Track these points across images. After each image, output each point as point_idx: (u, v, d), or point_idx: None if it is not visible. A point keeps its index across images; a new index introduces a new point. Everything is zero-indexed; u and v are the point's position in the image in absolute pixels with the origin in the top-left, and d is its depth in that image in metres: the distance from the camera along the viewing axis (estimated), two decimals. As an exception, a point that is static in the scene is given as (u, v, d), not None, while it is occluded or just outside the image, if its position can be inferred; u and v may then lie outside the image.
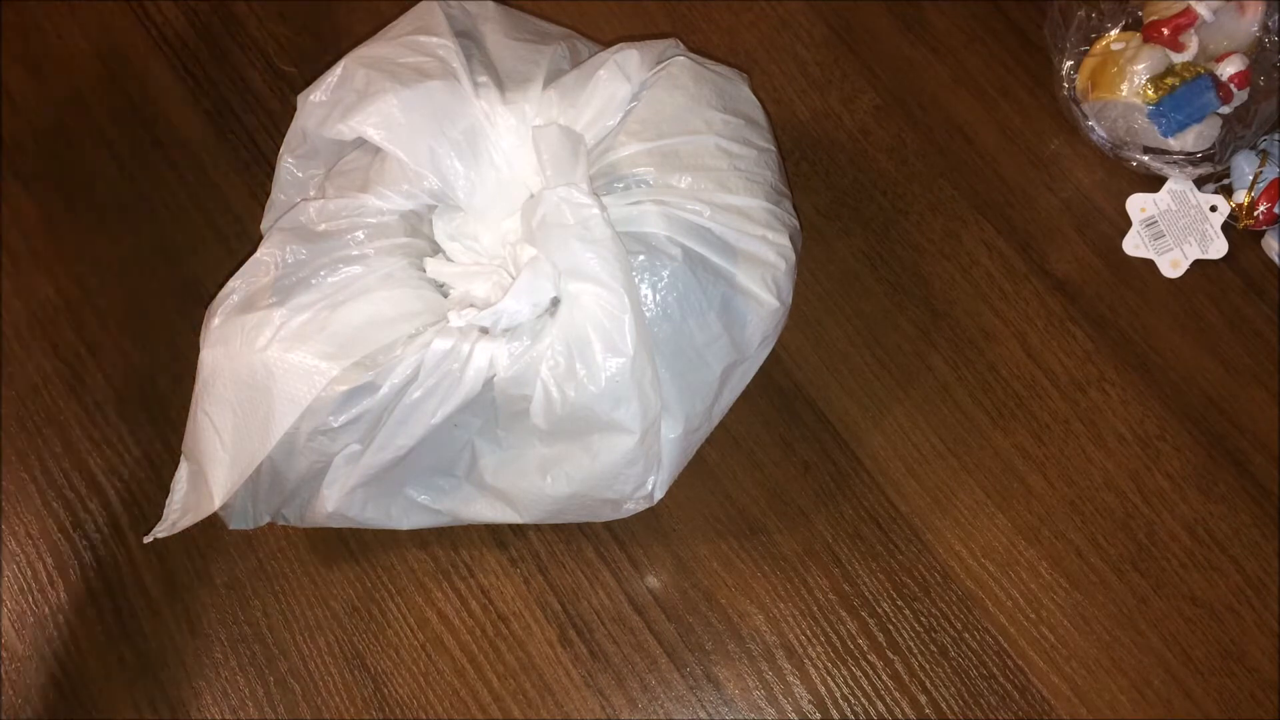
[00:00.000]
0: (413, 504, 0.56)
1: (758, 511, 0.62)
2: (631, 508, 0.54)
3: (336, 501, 0.53)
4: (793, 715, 0.58)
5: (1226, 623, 0.60)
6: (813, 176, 0.69)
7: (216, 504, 0.52)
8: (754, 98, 0.58)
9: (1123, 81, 0.65)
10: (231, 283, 0.54)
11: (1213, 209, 0.66)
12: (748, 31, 0.73)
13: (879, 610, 0.60)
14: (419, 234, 0.56)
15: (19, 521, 0.63)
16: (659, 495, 0.54)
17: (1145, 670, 0.59)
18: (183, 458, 0.56)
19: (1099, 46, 0.67)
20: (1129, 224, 0.67)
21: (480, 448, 0.54)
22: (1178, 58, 0.65)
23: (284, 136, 0.58)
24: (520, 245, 0.53)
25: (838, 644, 0.59)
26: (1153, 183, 0.68)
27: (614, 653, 0.59)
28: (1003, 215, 0.68)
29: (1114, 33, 0.67)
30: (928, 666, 0.59)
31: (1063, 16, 0.69)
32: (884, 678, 0.59)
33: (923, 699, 0.58)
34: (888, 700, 0.58)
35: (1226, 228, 0.66)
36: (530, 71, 0.55)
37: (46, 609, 0.61)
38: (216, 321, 0.53)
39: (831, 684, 0.59)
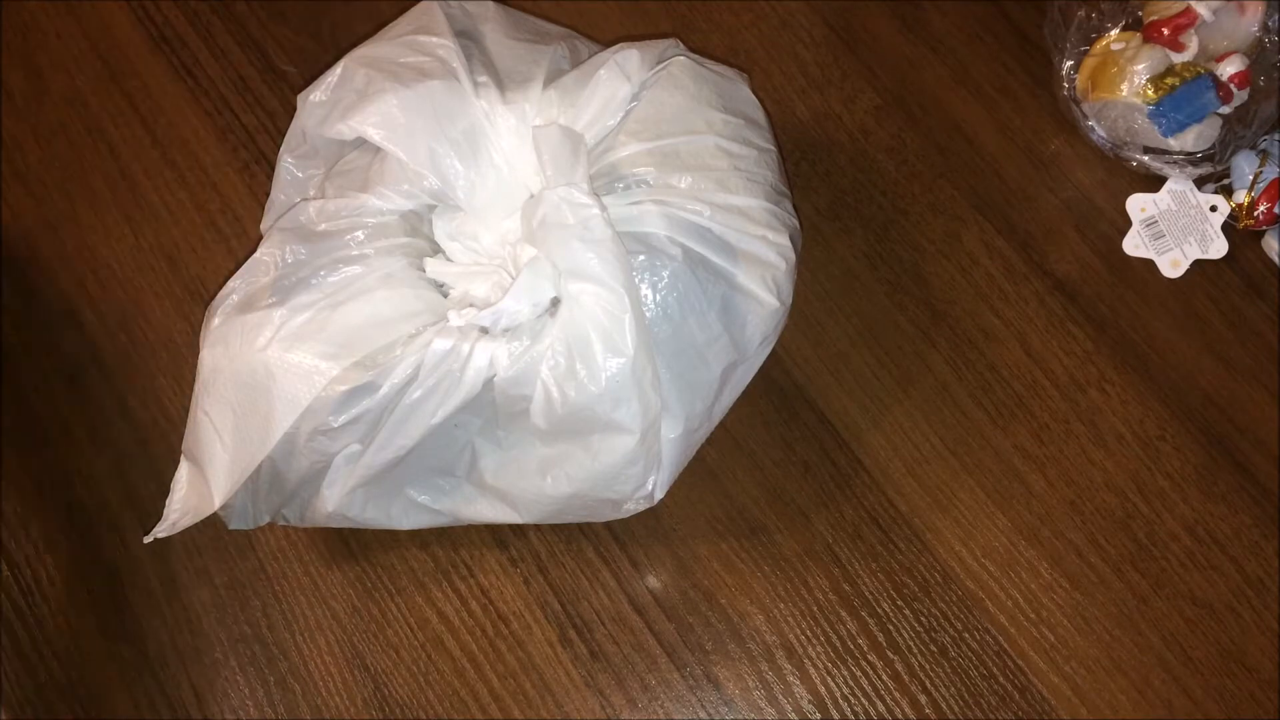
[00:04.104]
0: (413, 504, 0.56)
1: (758, 511, 0.62)
2: (632, 508, 0.54)
3: (337, 501, 0.53)
4: (793, 715, 0.58)
5: (1226, 623, 0.60)
6: (813, 176, 0.69)
7: (216, 504, 0.52)
8: (754, 98, 0.58)
9: (1123, 81, 0.65)
10: (231, 283, 0.54)
11: (1213, 209, 0.66)
12: (748, 31, 0.73)
13: (879, 610, 0.60)
14: (419, 234, 0.56)
15: (19, 521, 0.63)
16: (659, 495, 0.54)
17: (1145, 670, 0.59)
18: (183, 458, 0.56)
19: (1099, 46, 0.67)
20: (1129, 224, 0.67)
21: (480, 448, 0.54)
22: (1178, 58, 0.65)
23: (284, 136, 0.58)
24: (520, 245, 0.53)
25: (838, 644, 0.59)
26: (1153, 183, 0.68)
27: (614, 653, 0.59)
28: (1003, 215, 0.68)
29: (1114, 33, 0.67)
30: (928, 666, 0.59)
31: (1063, 16, 0.69)
32: (884, 678, 0.59)
33: (923, 699, 0.58)
34: (888, 700, 0.58)
35: (1226, 228, 0.66)
36: (530, 71, 0.55)
37: (46, 609, 0.61)
38: (216, 321, 0.53)
39: (831, 684, 0.59)
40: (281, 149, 0.58)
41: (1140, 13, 0.67)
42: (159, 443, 0.64)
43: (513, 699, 0.59)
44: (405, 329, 0.51)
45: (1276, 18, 0.65)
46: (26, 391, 0.65)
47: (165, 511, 0.56)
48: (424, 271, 0.55)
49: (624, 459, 0.51)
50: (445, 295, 0.55)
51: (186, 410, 0.54)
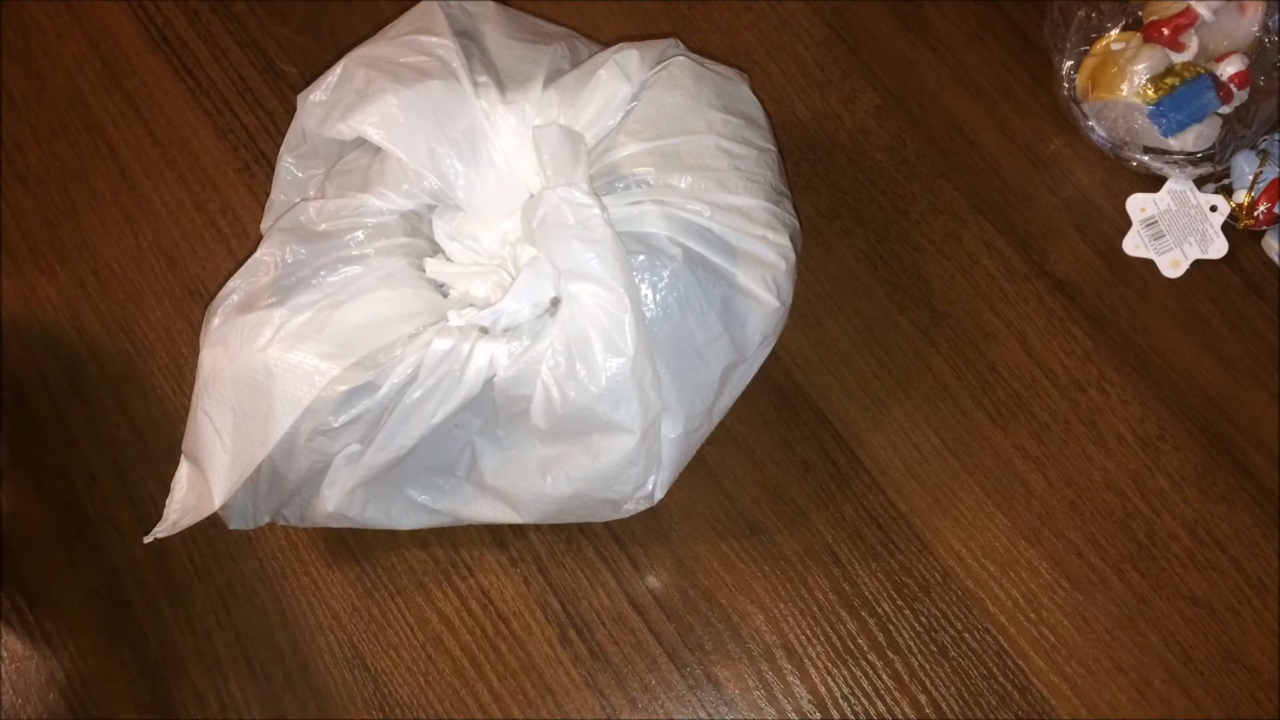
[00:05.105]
0: (413, 504, 0.56)
1: (758, 511, 0.62)
2: (632, 508, 0.54)
3: (336, 501, 0.53)
4: (793, 715, 0.58)
5: (1226, 623, 0.60)
6: (813, 176, 0.69)
7: (216, 504, 0.52)
8: (754, 98, 0.58)
9: (1123, 81, 0.65)
10: (231, 283, 0.54)
11: (1213, 209, 0.66)
12: (748, 31, 0.73)
13: (879, 610, 0.60)
14: (419, 234, 0.56)
15: (19, 521, 0.63)
16: (659, 495, 0.54)
17: (1145, 670, 0.59)
18: (183, 458, 0.56)
19: (1099, 46, 0.67)
20: (1129, 224, 0.67)
21: (480, 448, 0.54)
22: (1178, 58, 0.65)
23: (284, 136, 0.58)
24: (520, 245, 0.53)
25: (838, 644, 0.59)
26: (1153, 183, 0.68)
27: (614, 653, 0.59)
28: (1003, 215, 0.68)
29: (1114, 33, 0.67)
30: (928, 666, 0.59)
31: (1063, 16, 0.69)
32: (884, 678, 0.59)
33: (923, 699, 0.58)
34: (888, 700, 0.58)
35: (1226, 228, 0.66)
36: (530, 71, 0.55)
37: (46, 609, 0.61)
38: (216, 321, 0.53)
39: (831, 684, 0.59)
40: (281, 149, 0.58)
41: (1140, 13, 0.67)
42: (159, 443, 0.64)
43: (513, 699, 0.59)
44: (405, 329, 0.51)
45: (1276, 18, 0.65)
46: (26, 391, 0.65)
47: (165, 511, 0.56)
48: (424, 271, 0.55)
49: (624, 459, 0.51)
50: (445, 295, 0.55)
51: (186, 410, 0.54)
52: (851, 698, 0.59)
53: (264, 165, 0.70)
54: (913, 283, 0.66)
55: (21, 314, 0.67)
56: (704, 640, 0.60)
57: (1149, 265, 0.67)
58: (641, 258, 0.50)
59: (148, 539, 0.56)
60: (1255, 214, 0.65)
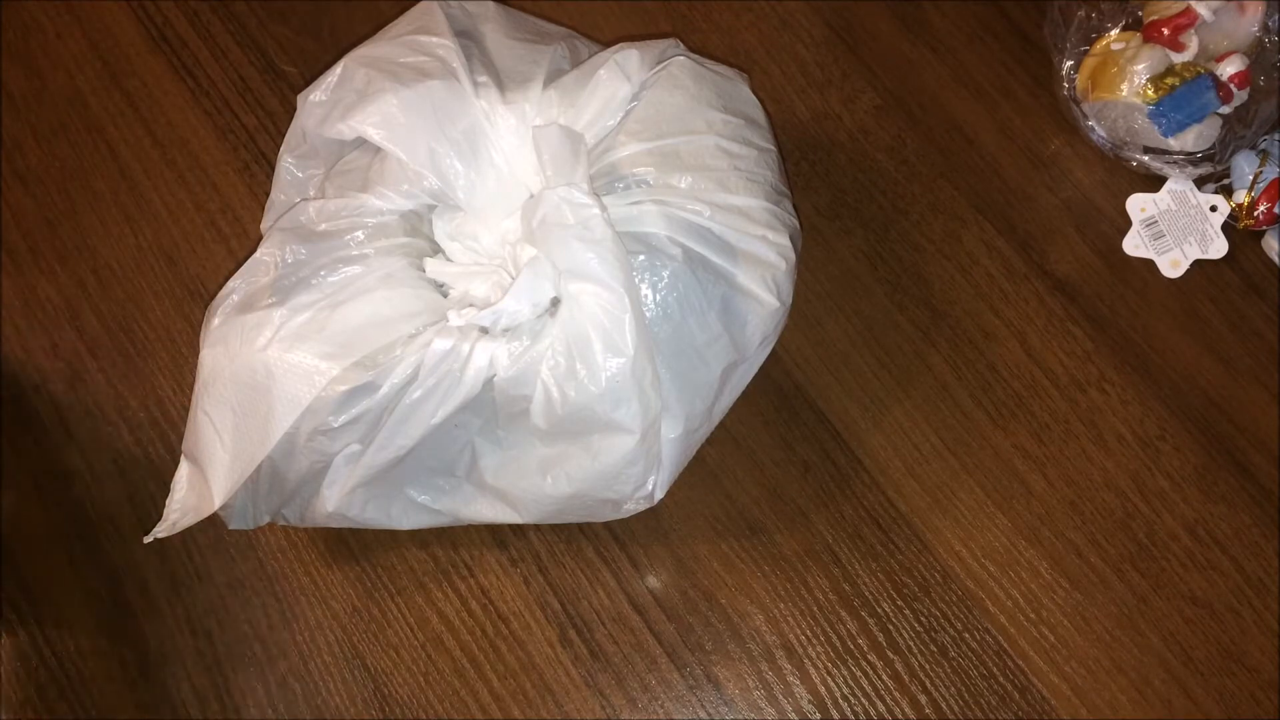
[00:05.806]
0: (413, 504, 0.56)
1: (758, 511, 0.62)
2: (632, 508, 0.54)
3: (336, 501, 0.53)
4: (793, 715, 0.58)
5: (1226, 623, 0.60)
6: (813, 176, 0.69)
7: (216, 504, 0.52)
8: (754, 98, 0.58)
9: (1123, 81, 0.65)
10: (231, 283, 0.54)
11: (1213, 209, 0.66)
12: (748, 31, 0.73)
13: (879, 610, 0.60)
14: (419, 234, 0.56)
15: (18, 521, 0.62)
16: (659, 495, 0.54)
17: (1145, 670, 0.59)
18: (183, 458, 0.56)
19: (1099, 46, 0.67)
20: (1129, 224, 0.67)
21: (480, 448, 0.54)
22: (1178, 58, 0.65)
23: (284, 136, 0.58)
24: (520, 245, 0.53)
25: (838, 644, 0.59)
26: (1153, 183, 0.68)
27: (614, 653, 0.59)
28: (1003, 215, 0.68)
29: (1114, 33, 0.67)
30: (928, 666, 0.59)
31: (1063, 16, 0.69)
32: (884, 678, 0.59)
33: (923, 699, 0.58)
34: (888, 700, 0.58)
35: (1226, 228, 0.66)
36: (530, 71, 0.55)
37: (46, 609, 0.61)
38: (216, 321, 0.53)
39: (831, 684, 0.59)
40: (281, 149, 0.58)
41: (1140, 13, 0.67)
42: (159, 443, 0.64)
43: (513, 699, 0.59)
44: (405, 329, 0.51)
45: (1276, 18, 0.65)
46: (26, 391, 0.65)
47: (165, 511, 0.56)
48: (424, 271, 0.55)
49: (624, 459, 0.51)
50: (445, 295, 0.55)
51: (186, 410, 0.54)
52: (851, 698, 0.59)
53: (264, 165, 0.70)
54: (913, 283, 0.66)
55: (21, 314, 0.67)
56: (704, 640, 0.60)
57: (1149, 265, 0.67)
58: (641, 258, 0.50)
59: (148, 539, 0.56)
60: (1255, 214, 0.65)
